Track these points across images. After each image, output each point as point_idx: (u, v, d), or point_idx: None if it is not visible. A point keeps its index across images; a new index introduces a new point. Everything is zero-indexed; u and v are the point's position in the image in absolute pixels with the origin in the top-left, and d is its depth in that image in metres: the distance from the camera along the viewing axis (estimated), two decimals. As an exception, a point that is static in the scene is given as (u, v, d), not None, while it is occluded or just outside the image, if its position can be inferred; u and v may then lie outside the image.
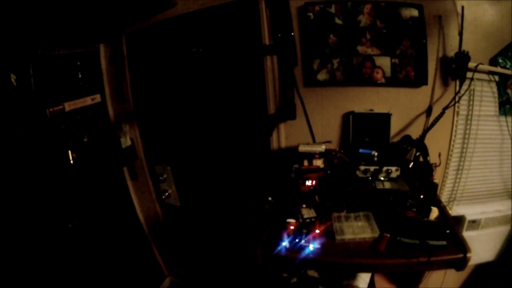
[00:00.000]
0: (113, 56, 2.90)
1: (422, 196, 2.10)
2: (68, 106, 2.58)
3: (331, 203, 2.16)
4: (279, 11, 2.48)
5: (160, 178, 3.08)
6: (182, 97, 2.88)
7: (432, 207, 2.02)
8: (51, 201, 2.49)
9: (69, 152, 2.61)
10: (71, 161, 2.61)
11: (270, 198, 2.37)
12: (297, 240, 1.88)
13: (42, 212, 2.43)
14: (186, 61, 2.77)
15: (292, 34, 2.51)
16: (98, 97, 2.86)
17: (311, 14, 2.45)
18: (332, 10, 2.43)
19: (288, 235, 1.91)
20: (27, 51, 2.40)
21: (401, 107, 2.50)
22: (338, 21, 2.43)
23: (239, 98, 2.74)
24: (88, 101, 2.77)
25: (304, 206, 2.15)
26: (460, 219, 2.67)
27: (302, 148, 2.41)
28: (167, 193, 3.10)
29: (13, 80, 2.32)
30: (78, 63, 2.75)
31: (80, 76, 2.77)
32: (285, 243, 1.88)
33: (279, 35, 2.53)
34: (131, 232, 3.18)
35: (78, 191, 2.68)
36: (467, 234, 2.62)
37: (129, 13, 2.65)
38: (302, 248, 1.85)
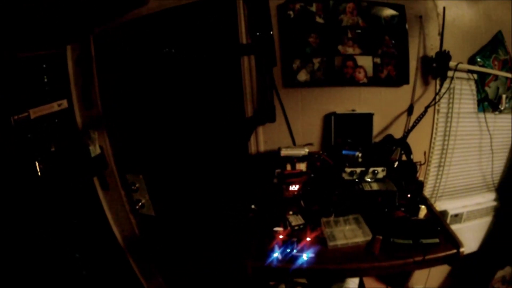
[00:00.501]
0: (81, 58, 2.79)
1: (409, 195, 2.16)
2: (34, 113, 2.46)
3: (318, 208, 2.19)
4: (258, 9, 2.47)
5: (133, 187, 3.01)
6: (154, 100, 2.81)
7: (420, 206, 2.08)
8: (19, 216, 2.38)
9: (36, 163, 2.48)
10: (39, 173, 2.48)
11: (253, 206, 2.36)
12: (288, 250, 1.89)
13: (10, 229, 2.32)
14: (158, 62, 2.71)
15: (271, 33, 2.51)
16: (65, 103, 2.75)
17: (291, 12, 2.47)
18: (313, 8, 2.45)
19: (278, 245, 1.91)
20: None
21: (383, 106, 2.57)
22: (319, 20, 2.46)
23: (215, 101, 2.70)
24: (54, 107, 2.66)
25: (290, 213, 2.17)
26: (443, 214, 2.78)
27: (284, 152, 2.41)
28: (140, 203, 3.04)
29: None
30: (44, 65, 2.63)
31: (45, 80, 2.65)
32: (276, 254, 1.87)
33: (258, 34, 2.52)
34: (105, 245, 3.09)
35: (48, 204, 2.56)
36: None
37: (98, 12, 2.55)
38: (295, 258, 1.86)
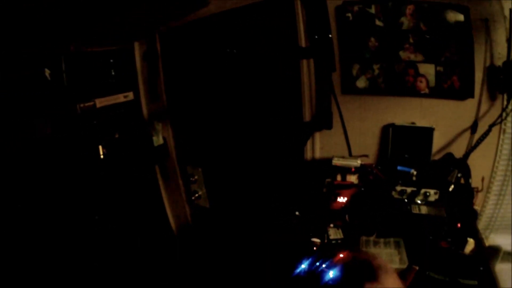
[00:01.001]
0: (147, 54, 2.98)
1: (459, 225, 2.00)
2: (100, 102, 2.66)
3: (361, 224, 2.13)
4: (316, 11, 2.42)
5: (191, 179, 3.15)
6: (215, 98, 2.89)
7: (468, 239, 1.93)
8: (80, 194, 2.59)
9: (100, 147, 2.70)
10: (101, 156, 2.71)
11: (297, 213, 2.35)
12: (317, 264, 1.86)
13: (70, 206, 2.52)
14: (219, 62, 2.78)
15: (330, 36, 2.45)
16: (130, 95, 2.94)
17: (349, 14, 2.37)
18: (372, 10, 2.33)
19: (309, 257, 1.89)
20: (60, 47, 2.49)
21: (444, 121, 2.37)
22: (378, 23, 2.34)
23: (274, 102, 2.71)
24: (120, 98, 2.85)
25: (331, 225, 2.14)
26: (495, 250, 2.49)
27: (336, 162, 2.37)
28: (197, 195, 3.17)
29: (47, 75, 2.42)
30: (111, 60, 2.85)
31: (113, 73, 2.86)
32: (304, 266, 1.86)
33: (316, 36, 2.47)
34: (158, 229, 3.30)
35: (108, 186, 2.78)
36: (501, 267, 2.44)
37: (162, 12, 2.66)
38: (322, 273, 1.83)
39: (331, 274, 1.79)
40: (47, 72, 2.41)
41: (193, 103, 3.01)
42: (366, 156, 2.49)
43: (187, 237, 3.38)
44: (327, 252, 1.87)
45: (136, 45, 2.97)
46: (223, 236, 3.06)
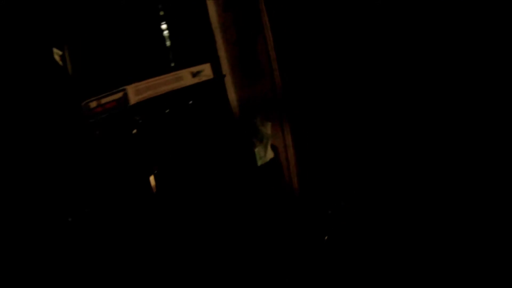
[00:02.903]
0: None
1: None
2: (135, 92, 1.45)
3: None
4: None
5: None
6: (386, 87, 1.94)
7: None
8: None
9: (151, 178, 1.53)
10: (154, 191, 1.56)
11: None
12: None
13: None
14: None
15: None
16: (207, 70, 1.69)
17: None
18: None
19: None
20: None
21: None
22: None
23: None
24: (186, 78, 1.60)
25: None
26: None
27: None
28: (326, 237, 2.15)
29: (57, 57, 1.56)
30: (159, 6, 1.66)
31: (164, 33, 1.69)
32: None
33: None
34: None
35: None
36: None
37: None
38: None
39: None
40: (56, 53, 1.54)
41: (335, 87, 1.99)
42: None
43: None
44: None
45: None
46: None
